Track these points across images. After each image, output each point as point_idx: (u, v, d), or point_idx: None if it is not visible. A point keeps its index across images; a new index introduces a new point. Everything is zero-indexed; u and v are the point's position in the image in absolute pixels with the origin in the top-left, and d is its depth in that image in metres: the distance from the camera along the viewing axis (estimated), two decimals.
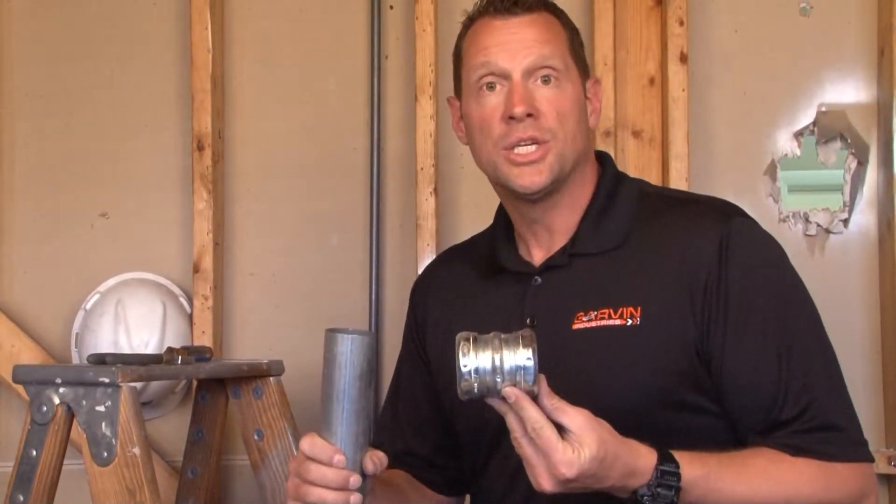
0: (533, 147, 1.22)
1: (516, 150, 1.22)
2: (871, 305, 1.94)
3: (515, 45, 1.23)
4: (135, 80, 2.07)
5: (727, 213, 1.23)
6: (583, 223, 1.27)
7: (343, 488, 1.06)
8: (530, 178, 1.22)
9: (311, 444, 1.07)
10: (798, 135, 1.98)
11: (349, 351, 1.06)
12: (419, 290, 1.44)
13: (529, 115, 1.21)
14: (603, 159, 1.33)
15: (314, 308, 2.02)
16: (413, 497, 1.33)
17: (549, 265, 1.27)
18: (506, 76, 1.23)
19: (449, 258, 1.45)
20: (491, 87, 1.24)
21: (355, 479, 1.06)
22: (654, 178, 1.92)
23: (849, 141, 1.96)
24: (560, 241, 1.28)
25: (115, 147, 2.06)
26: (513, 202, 1.30)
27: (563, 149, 1.23)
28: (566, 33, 1.27)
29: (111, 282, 2.00)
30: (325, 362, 1.07)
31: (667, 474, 1.06)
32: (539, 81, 1.23)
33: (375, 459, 1.09)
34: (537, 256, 1.29)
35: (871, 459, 1.19)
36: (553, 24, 1.26)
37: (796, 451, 1.15)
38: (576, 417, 1.03)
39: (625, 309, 1.20)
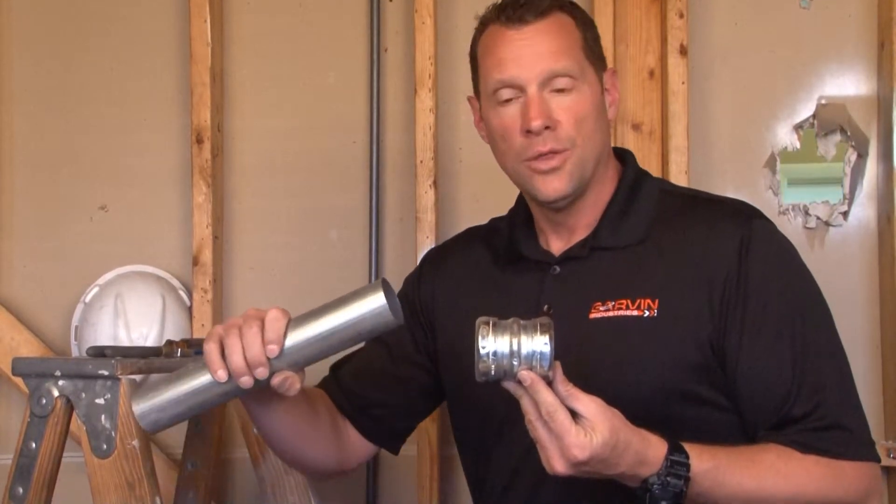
0: (552, 156, 1.23)
1: (538, 160, 1.24)
2: (871, 298, 1.94)
3: (529, 58, 1.23)
4: (134, 74, 2.06)
5: (748, 215, 1.26)
6: (604, 218, 1.29)
7: (251, 365, 1.07)
8: (553, 186, 1.24)
9: (275, 318, 1.08)
10: (798, 127, 1.98)
11: (374, 313, 1.07)
12: (432, 263, 1.44)
13: (547, 127, 1.22)
14: (625, 156, 1.35)
15: (314, 302, 1.98)
16: (324, 420, 1.32)
17: (569, 256, 1.29)
18: (521, 88, 1.23)
19: (468, 240, 1.44)
20: (508, 98, 1.25)
21: (262, 371, 1.07)
22: (653, 172, 1.89)
23: (849, 134, 1.96)
24: (580, 234, 1.30)
25: (115, 140, 2.06)
26: (537, 203, 1.31)
27: (583, 153, 1.24)
28: (580, 32, 1.26)
29: (110, 275, 2.00)
30: (352, 294, 1.08)
31: (676, 464, 1.08)
32: (555, 90, 1.23)
33: (287, 384, 1.09)
34: (556, 247, 1.31)
35: (877, 460, 1.22)
36: (566, 25, 1.26)
37: (805, 448, 1.16)
38: (589, 404, 1.05)
39: (642, 300, 1.22)
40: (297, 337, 1.08)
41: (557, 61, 1.22)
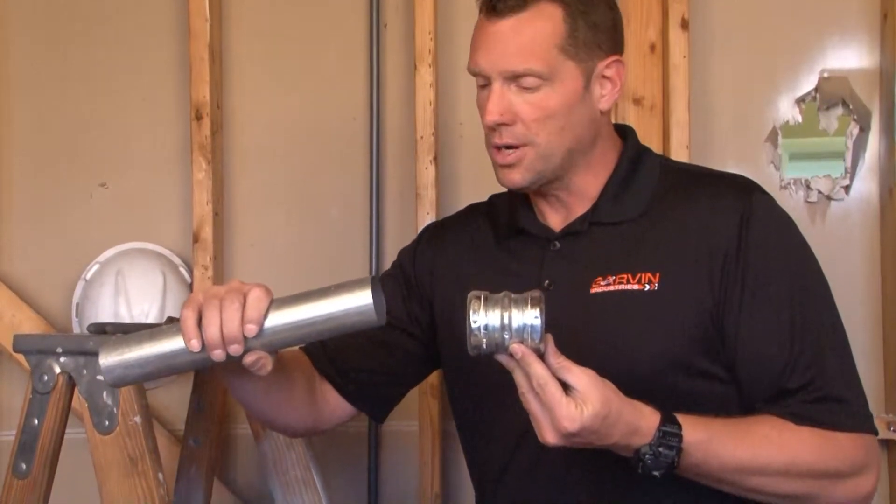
0: (508, 150, 1.24)
1: (498, 150, 1.25)
2: (872, 272, 1.94)
3: (497, 53, 1.22)
4: (133, 51, 2.05)
5: (748, 189, 1.26)
6: (604, 193, 1.29)
7: (226, 341, 1.06)
8: (509, 178, 1.26)
9: (258, 297, 1.06)
10: (800, 101, 1.97)
11: (357, 311, 1.06)
12: (430, 236, 1.44)
13: (504, 123, 1.22)
14: (625, 133, 1.34)
15: (314, 279, 1.97)
16: (299, 386, 1.31)
17: (569, 231, 1.29)
18: (489, 79, 1.24)
19: (468, 215, 1.44)
20: (483, 84, 1.25)
21: (236, 349, 1.06)
22: (654, 147, 1.87)
23: (851, 107, 1.95)
24: (579, 209, 1.29)
25: (114, 117, 2.05)
26: None
27: (545, 150, 1.24)
28: (566, 25, 1.22)
29: (111, 252, 2.00)
30: (340, 287, 1.07)
31: (669, 435, 1.09)
32: (521, 87, 1.22)
33: (259, 364, 1.08)
34: (554, 222, 1.31)
35: (874, 432, 1.21)
36: (548, 19, 1.22)
37: (800, 419, 1.17)
38: (581, 377, 1.06)
39: (643, 274, 1.22)
40: (277, 319, 1.07)
41: (522, 62, 1.21)
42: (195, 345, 1.06)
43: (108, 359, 1.09)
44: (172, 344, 1.08)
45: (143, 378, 1.11)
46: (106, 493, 1.31)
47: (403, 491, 2.00)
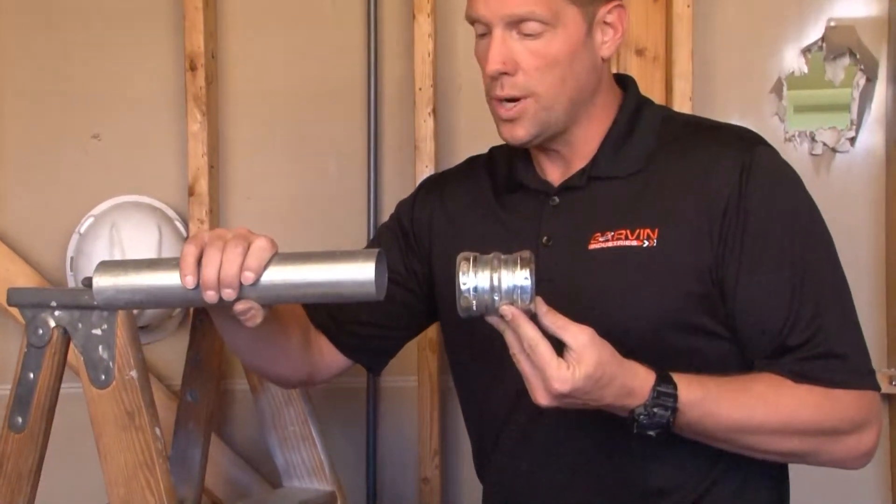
0: (511, 104, 1.21)
1: (500, 104, 1.22)
2: (877, 225, 1.93)
3: None
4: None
5: (750, 141, 1.23)
6: (603, 147, 1.26)
7: (222, 284, 1.05)
8: (511, 133, 1.22)
9: (262, 247, 1.06)
10: (805, 51, 1.94)
11: (358, 282, 1.05)
12: (429, 188, 1.42)
13: (505, 73, 1.19)
14: (626, 84, 1.31)
15: (312, 232, 2.01)
16: (294, 338, 1.30)
17: (567, 186, 1.26)
18: (489, 27, 1.20)
19: (468, 169, 1.42)
20: (482, 33, 1.22)
21: (230, 293, 1.06)
22: (657, 98, 1.88)
23: (858, 57, 1.92)
24: (578, 163, 1.27)
25: (107, 68, 2.02)
26: None
27: (547, 101, 1.20)
28: None
29: (105, 205, 1.98)
30: (345, 254, 1.06)
31: (663, 395, 1.08)
32: (522, 34, 1.19)
33: (249, 314, 1.07)
34: (554, 176, 1.28)
35: (875, 388, 1.20)
36: None
37: (799, 377, 1.16)
38: (578, 336, 1.04)
39: (642, 230, 1.20)
40: (275, 274, 1.06)
41: (522, 5, 1.17)
42: (190, 281, 1.06)
43: (102, 279, 1.08)
44: (168, 277, 1.08)
45: (132, 305, 1.11)
46: (103, 447, 1.30)
47: (402, 446, 2.00)
